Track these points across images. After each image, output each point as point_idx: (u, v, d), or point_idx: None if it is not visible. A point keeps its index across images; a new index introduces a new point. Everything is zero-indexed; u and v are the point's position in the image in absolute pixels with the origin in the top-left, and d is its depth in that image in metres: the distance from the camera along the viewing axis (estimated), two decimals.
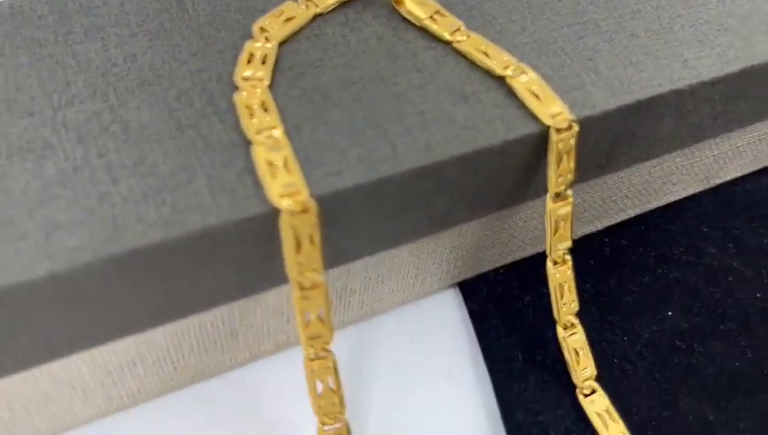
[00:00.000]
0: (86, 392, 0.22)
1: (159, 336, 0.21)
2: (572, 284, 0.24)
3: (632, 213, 0.30)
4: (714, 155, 0.30)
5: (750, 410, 0.25)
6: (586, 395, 0.25)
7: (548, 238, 0.23)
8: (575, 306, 0.24)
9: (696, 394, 0.25)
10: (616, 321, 0.27)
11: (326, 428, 0.21)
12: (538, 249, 0.29)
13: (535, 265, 0.28)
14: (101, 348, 0.20)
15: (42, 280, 0.17)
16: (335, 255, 0.22)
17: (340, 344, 0.26)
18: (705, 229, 0.31)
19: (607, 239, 0.30)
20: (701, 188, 0.32)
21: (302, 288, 0.20)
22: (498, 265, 0.28)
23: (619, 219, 0.30)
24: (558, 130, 0.22)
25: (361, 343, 0.26)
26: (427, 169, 0.20)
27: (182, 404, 0.24)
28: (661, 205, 0.31)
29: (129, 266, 0.18)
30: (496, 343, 0.26)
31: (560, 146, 0.22)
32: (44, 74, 0.21)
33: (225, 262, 0.19)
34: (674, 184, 0.30)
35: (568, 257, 0.24)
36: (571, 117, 0.22)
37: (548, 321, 0.25)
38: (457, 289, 0.28)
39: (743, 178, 0.33)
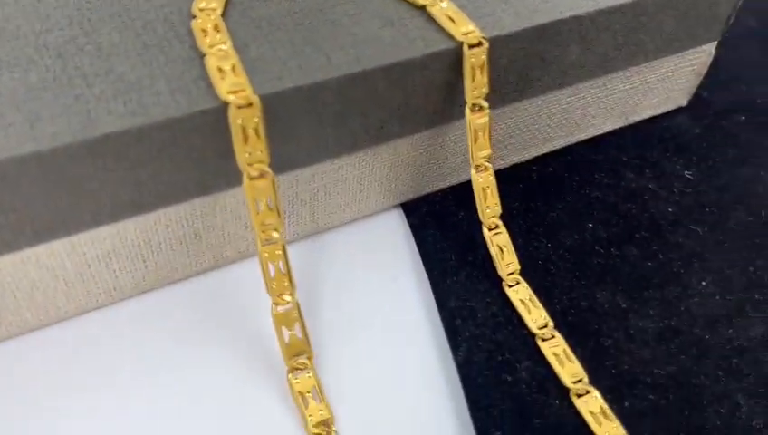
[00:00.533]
0: (68, 284, 0.25)
1: (131, 230, 0.25)
2: (494, 189, 0.28)
3: (558, 145, 0.34)
4: (626, 89, 0.33)
5: (659, 299, 0.29)
6: (510, 286, 0.28)
7: (470, 147, 0.27)
8: (498, 209, 0.28)
9: (611, 288, 0.29)
10: (541, 231, 0.31)
11: (279, 307, 0.25)
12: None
13: (470, 190, 0.32)
14: (81, 237, 0.24)
15: (28, 156, 0.20)
16: (283, 160, 0.25)
17: (294, 257, 0.29)
18: (625, 158, 0.34)
19: (535, 167, 0.33)
20: (620, 124, 0.35)
21: (251, 178, 0.23)
22: (436, 188, 0.32)
23: (546, 150, 0.34)
24: (470, 46, 0.25)
25: (314, 254, 0.29)
26: (358, 76, 0.24)
27: (152, 306, 0.27)
28: (584, 138, 0.35)
29: (102, 150, 0.21)
30: (433, 248, 0.29)
31: (473, 60, 0.25)
32: (28, 9, 0.25)
33: (185, 153, 0.23)
34: (593, 117, 0.34)
35: (488, 164, 0.27)
36: (482, 35, 0.25)
37: (479, 230, 0.29)
38: (400, 209, 0.31)
39: (660, 116, 0.36)
